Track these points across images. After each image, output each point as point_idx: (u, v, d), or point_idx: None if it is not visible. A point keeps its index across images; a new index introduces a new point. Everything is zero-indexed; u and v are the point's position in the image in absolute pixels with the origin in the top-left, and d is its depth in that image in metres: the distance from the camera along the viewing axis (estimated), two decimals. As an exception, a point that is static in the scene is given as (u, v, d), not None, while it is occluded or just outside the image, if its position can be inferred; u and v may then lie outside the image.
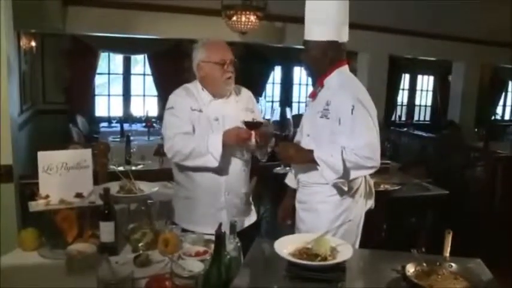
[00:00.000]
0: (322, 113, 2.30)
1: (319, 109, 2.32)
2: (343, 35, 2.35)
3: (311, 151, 2.26)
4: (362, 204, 2.46)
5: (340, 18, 2.33)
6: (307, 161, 2.28)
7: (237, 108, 2.59)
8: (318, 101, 2.38)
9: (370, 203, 2.52)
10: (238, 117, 2.51)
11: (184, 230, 2.45)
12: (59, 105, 8.23)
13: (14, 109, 3.57)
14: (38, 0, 4.90)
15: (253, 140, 2.41)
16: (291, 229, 2.57)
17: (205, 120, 2.53)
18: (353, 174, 2.24)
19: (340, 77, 2.36)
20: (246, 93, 2.74)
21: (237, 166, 2.59)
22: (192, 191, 2.61)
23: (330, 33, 2.30)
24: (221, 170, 2.52)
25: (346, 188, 2.31)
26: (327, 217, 2.34)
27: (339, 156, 2.18)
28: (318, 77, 2.42)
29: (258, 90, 9.11)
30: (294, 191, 2.62)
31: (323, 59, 2.33)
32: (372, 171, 2.28)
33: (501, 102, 12.53)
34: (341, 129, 2.24)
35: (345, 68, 2.40)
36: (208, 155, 2.41)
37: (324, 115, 2.29)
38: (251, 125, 2.38)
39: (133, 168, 4.10)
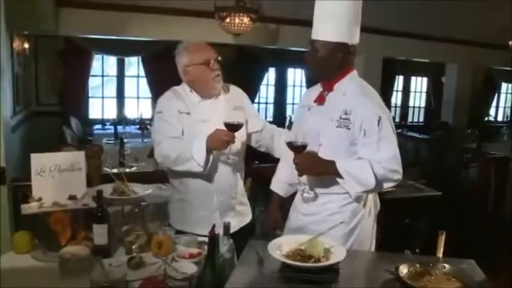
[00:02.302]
0: (339, 122, 2.16)
1: (334, 117, 2.18)
2: (354, 37, 2.22)
3: (333, 162, 2.13)
4: (373, 212, 2.35)
5: (352, 19, 2.19)
6: (329, 173, 2.15)
7: (226, 107, 2.55)
8: (330, 107, 2.23)
9: (378, 207, 2.42)
10: (228, 117, 2.46)
11: (178, 232, 2.45)
12: (52, 107, 8.19)
13: (7, 111, 3.56)
14: (30, 1, 4.88)
15: (236, 141, 2.39)
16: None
17: (193, 123, 2.50)
18: (383, 186, 2.17)
19: (356, 84, 2.25)
20: (234, 90, 2.71)
21: (228, 167, 2.57)
22: (185, 194, 2.60)
23: (340, 34, 2.17)
24: (212, 172, 2.51)
25: (364, 198, 2.24)
26: (343, 228, 2.22)
27: (369, 169, 2.09)
28: (324, 80, 2.30)
29: (251, 92, 9.11)
30: (280, 198, 2.56)
31: (331, 62, 2.19)
32: (396, 183, 2.19)
33: (494, 104, 12.59)
34: (366, 141, 2.13)
35: (355, 74, 2.29)
36: (191, 161, 2.37)
37: (344, 125, 2.15)
38: (232, 127, 2.32)
39: (127, 170, 4.10)
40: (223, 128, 2.34)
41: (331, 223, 2.23)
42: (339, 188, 2.18)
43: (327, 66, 2.21)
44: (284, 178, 2.53)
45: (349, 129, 2.14)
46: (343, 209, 2.23)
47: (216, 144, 2.35)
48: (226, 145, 2.36)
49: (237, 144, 2.53)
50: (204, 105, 2.55)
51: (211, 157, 2.39)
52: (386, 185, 2.18)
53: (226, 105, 2.58)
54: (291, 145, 2.17)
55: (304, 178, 2.28)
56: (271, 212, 2.59)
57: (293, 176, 2.35)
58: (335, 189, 2.21)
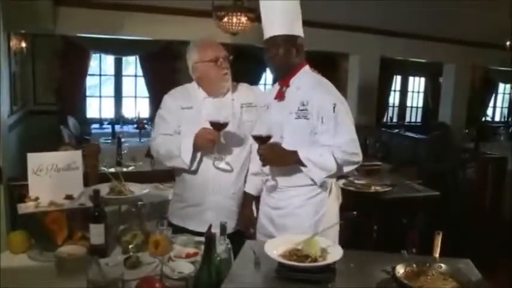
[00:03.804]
0: (298, 114, 2.29)
1: (293, 110, 2.31)
2: (298, 30, 2.36)
3: (295, 152, 2.24)
4: (336, 201, 2.48)
5: (292, 14, 2.35)
6: (292, 162, 2.27)
7: (232, 106, 2.56)
8: (288, 101, 2.36)
9: (340, 197, 2.54)
10: (232, 115, 2.49)
11: (172, 226, 2.48)
12: (50, 107, 8.17)
13: (4, 110, 3.55)
14: (28, 1, 4.86)
15: (222, 140, 2.41)
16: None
17: (195, 118, 2.50)
18: (344, 170, 2.29)
19: (309, 77, 2.39)
20: (242, 88, 2.70)
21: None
22: (182, 189, 2.65)
23: (285, 29, 2.32)
24: (208, 170, 2.52)
25: (328, 185, 2.35)
26: (309, 220, 2.33)
27: (329, 155, 2.21)
28: (283, 75, 2.43)
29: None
30: (252, 197, 2.62)
31: (286, 55, 2.33)
32: (357, 165, 2.34)
33: (491, 104, 12.61)
34: (324, 128, 2.26)
35: (308, 68, 2.43)
36: (179, 157, 2.44)
37: (303, 116, 2.28)
38: (217, 126, 2.34)
39: (125, 169, 4.09)
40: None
41: (298, 216, 2.35)
42: (302, 180, 2.31)
43: (284, 58, 2.35)
44: (253, 177, 2.59)
45: (308, 119, 2.28)
46: (308, 201, 2.35)
47: (201, 142, 2.39)
48: (211, 144, 2.38)
49: (235, 143, 2.54)
50: (208, 102, 2.56)
51: (198, 155, 2.45)
52: (348, 168, 2.32)
53: (233, 103, 2.58)
54: (256, 137, 2.28)
55: (267, 169, 2.38)
56: (245, 210, 2.66)
57: (258, 167, 2.44)
58: (299, 182, 2.33)
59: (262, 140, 2.26)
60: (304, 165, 2.24)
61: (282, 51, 2.33)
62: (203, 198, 2.56)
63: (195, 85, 2.63)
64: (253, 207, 2.69)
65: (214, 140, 2.36)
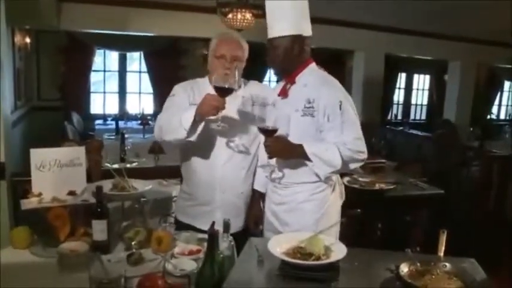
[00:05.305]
0: (304, 111, 2.30)
1: (298, 107, 2.31)
2: (306, 30, 2.36)
3: (301, 145, 2.24)
4: (339, 199, 2.48)
5: (300, 13, 2.34)
6: (297, 156, 2.27)
7: (243, 103, 2.50)
8: (293, 98, 2.36)
9: (343, 195, 2.54)
10: (241, 112, 2.47)
11: (179, 223, 2.47)
12: (53, 102, 8.20)
13: (8, 106, 3.55)
14: (32, -4, 4.86)
15: (230, 114, 2.35)
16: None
17: None
18: (350, 166, 2.31)
19: (315, 74, 2.39)
20: (253, 85, 2.64)
21: (234, 162, 2.53)
22: (190, 187, 2.61)
23: (292, 28, 2.31)
24: (216, 168, 2.49)
25: (332, 182, 2.38)
26: (313, 216, 2.34)
27: (336, 150, 2.22)
28: (287, 74, 2.43)
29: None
30: (260, 195, 2.60)
31: (291, 54, 2.33)
32: (362, 163, 2.34)
33: (497, 102, 12.57)
34: (330, 125, 2.27)
35: (314, 66, 2.43)
36: (179, 127, 2.29)
37: (309, 113, 2.29)
38: (222, 91, 2.25)
39: (128, 166, 4.07)
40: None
41: (302, 211, 2.36)
42: (307, 176, 2.32)
43: (288, 59, 2.35)
44: (262, 174, 2.57)
45: (314, 116, 2.29)
46: (312, 197, 2.36)
47: (205, 108, 2.25)
48: (215, 110, 2.26)
49: (245, 137, 2.51)
50: None
51: (200, 126, 2.31)
52: (354, 165, 2.33)
53: (243, 100, 2.51)
54: (262, 129, 2.26)
55: (273, 161, 2.38)
56: (253, 208, 2.64)
57: (264, 159, 2.44)
58: (304, 178, 2.34)
59: (268, 132, 2.25)
60: (309, 160, 2.24)
61: (279, 53, 2.34)
62: (212, 196, 2.53)
63: (206, 80, 2.58)
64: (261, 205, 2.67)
65: (219, 106, 2.25)
